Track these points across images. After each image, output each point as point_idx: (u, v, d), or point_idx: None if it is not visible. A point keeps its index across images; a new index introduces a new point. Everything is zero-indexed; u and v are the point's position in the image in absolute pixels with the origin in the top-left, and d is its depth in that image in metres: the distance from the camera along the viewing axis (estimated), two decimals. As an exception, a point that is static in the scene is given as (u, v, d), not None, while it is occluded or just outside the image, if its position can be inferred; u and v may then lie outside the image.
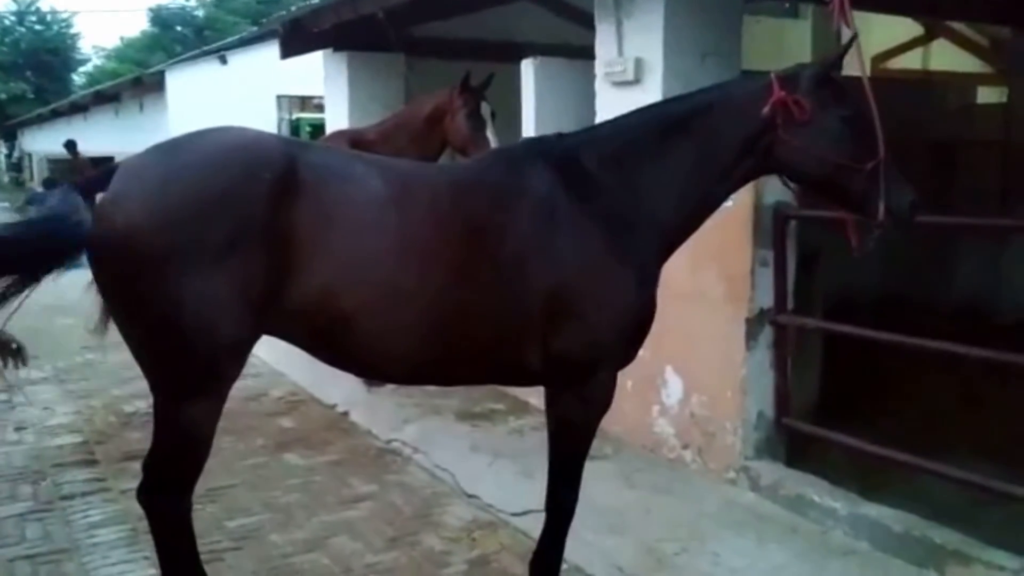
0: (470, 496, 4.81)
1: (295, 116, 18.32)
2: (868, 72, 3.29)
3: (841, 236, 3.20)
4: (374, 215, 2.86)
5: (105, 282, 2.79)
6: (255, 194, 2.70)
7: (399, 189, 2.94)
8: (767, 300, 4.67)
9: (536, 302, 2.98)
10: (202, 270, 2.64)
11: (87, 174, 3.01)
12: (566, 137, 3.24)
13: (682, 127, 3.14)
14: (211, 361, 2.77)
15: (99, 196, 2.75)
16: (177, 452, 2.91)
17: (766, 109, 3.02)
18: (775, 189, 4.30)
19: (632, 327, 3.16)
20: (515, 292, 2.97)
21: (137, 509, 3.13)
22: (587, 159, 3.12)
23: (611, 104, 5.37)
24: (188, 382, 2.80)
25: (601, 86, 5.65)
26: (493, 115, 6.33)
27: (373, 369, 3.24)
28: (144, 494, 3.00)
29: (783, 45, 10.99)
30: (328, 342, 2.97)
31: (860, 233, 3.14)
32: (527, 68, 6.58)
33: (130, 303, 2.76)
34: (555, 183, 3.04)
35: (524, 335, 3.02)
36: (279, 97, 18.51)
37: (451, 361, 3.10)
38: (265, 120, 16.54)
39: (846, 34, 3.16)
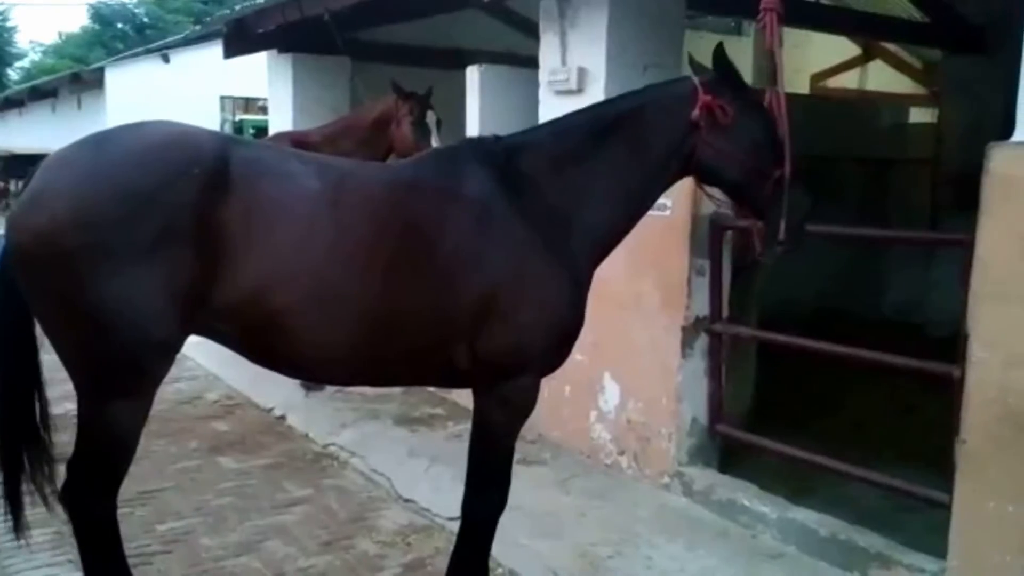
0: (406, 500, 4.79)
1: (239, 118, 18.09)
2: (789, 88, 3.42)
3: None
4: (309, 212, 2.83)
5: (26, 280, 2.71)
6: (185, 189, 2.65)
7: (335, 187, 2.91)
8: (703, 309, 4.75)
9: (468, 303, 2.97)
10: (130, 268, 2.59)
11: None
12: (504, 139, 3.25)
13: (616, 130, 3.18)
14: (138, 361, 2.73)
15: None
16: (102, 453, 2.86)
17: (695, 112, 3.10)
18: (712, 199, 4.38)
19: (562, 332, 3.16)
20: (448, 292, 2.96)
21: (63, 511, 3.07)
22: (524, 162, 3.14)
23: (554, 112, 5.35)
24: (114, 383, 2.75)
25: (544, 94, 5.68)
26: (439, 124, 6.37)
27: (305, 369, 3.19)
28: (68, 495, 2.95)
29: (725, 60, 11.21)
30: (260, 342, 2.93)
31: (764, 241, 3.28)
32: (472, 75, 6.60)
33: (53, 302, 2.69)
34: (491, 185, 3.05)
35: (456, 335, 3.01)
36: (222, 98, 18.28)
37: (385, 361, 3.07)
38: (208, 121, 16.27)
39: (787, 49, 3.25)
